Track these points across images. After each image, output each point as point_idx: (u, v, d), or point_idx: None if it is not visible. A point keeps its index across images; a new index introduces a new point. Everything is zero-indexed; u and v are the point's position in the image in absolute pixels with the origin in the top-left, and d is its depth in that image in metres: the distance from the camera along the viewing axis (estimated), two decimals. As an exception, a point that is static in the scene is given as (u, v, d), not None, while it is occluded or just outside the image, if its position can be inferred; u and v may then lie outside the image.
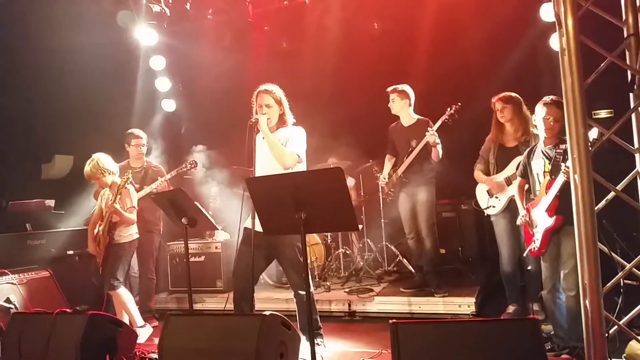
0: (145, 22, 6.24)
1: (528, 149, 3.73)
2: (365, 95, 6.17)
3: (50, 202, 5.68)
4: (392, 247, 5.75)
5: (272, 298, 5.26)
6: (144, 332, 4.41)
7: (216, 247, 5.66)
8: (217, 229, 3.71)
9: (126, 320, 4.32)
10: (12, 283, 4.78)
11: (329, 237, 5.92)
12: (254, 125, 3.61)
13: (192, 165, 5.20)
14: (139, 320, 4.44)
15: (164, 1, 6.14)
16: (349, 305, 4.97)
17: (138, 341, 3.88)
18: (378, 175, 5.44)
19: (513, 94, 4.18)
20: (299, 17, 6.44)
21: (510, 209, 4.18)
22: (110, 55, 6.45)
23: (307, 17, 6.39)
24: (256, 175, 3.53)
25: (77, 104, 6.53)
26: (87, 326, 3.08)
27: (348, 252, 5.95)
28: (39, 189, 6.39)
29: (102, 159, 4.45)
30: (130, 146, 5.16)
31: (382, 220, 5.70)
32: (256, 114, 3.69)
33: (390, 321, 2.57)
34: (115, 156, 5.32)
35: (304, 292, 3.59)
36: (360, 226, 5.71)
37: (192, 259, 5.67)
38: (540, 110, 3.50)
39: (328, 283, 5.45)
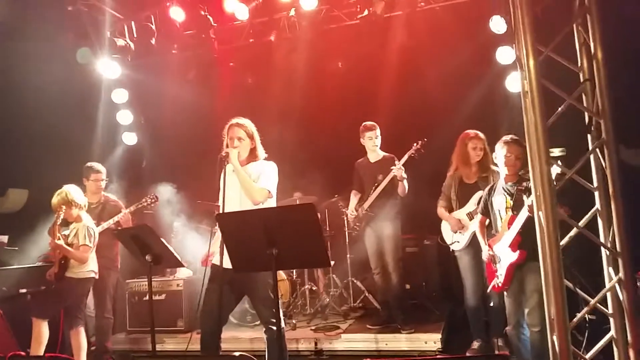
0: (108, 55, 6.19)
1: (489, 187, 3.85)
2: (330, 131, 6.28)
3: (4, 238, 5.42)
4: (358, 283, 5.73)
5: (237, 337, 5.11)
6: None
7: (178, 285, 5.50)
8: (183, 266, 3.61)
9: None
10: (-43, 325, 4.49)
11: (294, 273, 5.86)
12: (224, 159, 3.56)
13: (153, 200, 5.08)
14: None
15: (128, 35, 6.11)
16: (316, 343, 4.88)
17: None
18: (343, 210, 5.48)
19: (481, 134, 4.35)
20: (264, 54, 6.53)
21: (474, 244, 4.26)
22: (70, 88, 6.31)
23: (273, 55, 6.49)
24: (225, 209, 3.47)
25: (34, 136, 6.35)
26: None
27: (314, 288, 5.90)
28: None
29: (72, 191, 4.35)
30: (89, 180, 5.01)
31: (348, 255, 5.70)
32: (227, 147, 3.63)
33: (365, 359, 2.53)
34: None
35: (275, 327, 3.52)
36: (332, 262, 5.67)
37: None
38: (501, 148, 3.64)
39: (294, 321, 5.36)
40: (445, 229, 4.52)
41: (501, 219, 3.61)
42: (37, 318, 4.16)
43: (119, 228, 4.61)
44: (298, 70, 6.29)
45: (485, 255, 3.75)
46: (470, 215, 4.29)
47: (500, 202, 3.65)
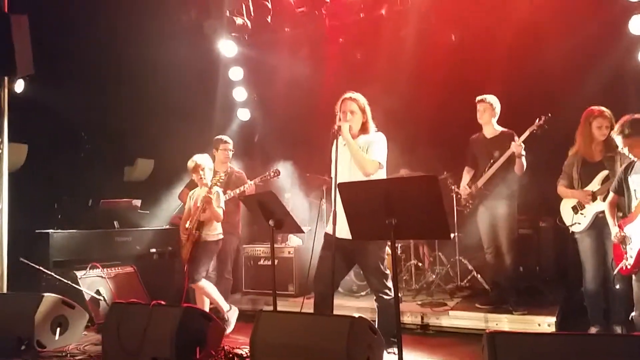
0: (227, 34, 6.53)
1: (625, 164, 3.61)
2: (440, 107, 6.15)
3: (137, 202, 6.01)
4: (466, 262, 5.65)
5: (343, 306, 5.27)
6: (232, 315, 4.67)
7: (289, 252, 5.79)
8: (303, 232, 3.80)
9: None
10: (101, 277, 5.09)
11: (399, 249, 5.90)
12: (337, 132, 3.66)
13: (276, 174, 5.33)
14: (224, 305, 4.68)
15: (246, 14, 6.39)
16: (422, 318, 4.92)
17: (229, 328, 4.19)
18: (453, 187, 5.40)
19: (609, 111, 4.08)
20: (374, 29, 6.53)
21: (596, 225, 4.06)
22: (192, 66, 6.77)
23: (383, 29, 6.47)
24: (336, 181, 3.59)
25: (159, 110, 6.90)
26: (182, 318, 3.23)
27: (420, 264, 5.91)
28: (122, 190, 6.76)
29: (199, 160, 4.74)
30: (219, 150, 5.34)
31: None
32: (339, 121, 3.73)
33: (487, 330, 2.54)
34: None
35: (387, 297, 3.62)
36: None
37: (264, 263, 5.84)
38: (619, 139, 3.45)
39: (400, 294, 5.41)
40: (565, 209, 4.29)
41: (636, 198, 3.39)
42: (192, 284, 4.59)
43: (245, 195, 4.91)
44: (408, 44, 6.21)
45: (615, 236, 3.55)
46: (594, 195, 4.05)
47: (638, 181, 3.43)
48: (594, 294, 4.20)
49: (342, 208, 3.09)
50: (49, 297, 4.08)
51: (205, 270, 4.64)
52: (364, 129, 3.80)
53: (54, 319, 4.05)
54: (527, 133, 4.57)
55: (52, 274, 4.79)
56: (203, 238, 4.59)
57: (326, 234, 3.76)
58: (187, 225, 4.67)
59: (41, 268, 4.78)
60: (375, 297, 3.77)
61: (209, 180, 4.67)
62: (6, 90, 4.97)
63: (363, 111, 3.78)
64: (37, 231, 5.27)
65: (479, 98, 4.80)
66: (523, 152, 4.48)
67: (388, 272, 3.77)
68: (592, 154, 4.16)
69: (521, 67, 5.66)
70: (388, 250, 5.67)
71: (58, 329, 4.07)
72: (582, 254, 4.23)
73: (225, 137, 5.40)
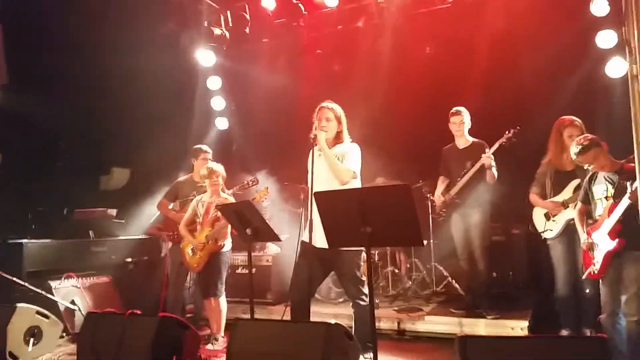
0: (205, 44, 6.55)
1: (589, 175, 3.75)
2: (416, 117, 6.27)
3: (113, 212, 5.96)
4: (441, 268, 5.75)
5: (321, 313, 5.32)
6: (222, 342, 4.56)
7: (267, 260, 5.81)
8: (280, 240, 3.83)
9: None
10: (76, 287, 5.04)
11: (377, 256, 5.97)
12: (313, 141, 3.72)
13: (254, 182, 5.34)
14: (222, 330, 4.62)
15: (224, 24, 6.44)
16: (399, 323, 4.99)
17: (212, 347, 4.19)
18: (428, 195, 5.50)
19: (579, 121, 4.22)
20: (351, 41, 6.64)
21: (567, 232, 4.19)
22: (170, 75, 6.78)
23: (360, 41, 6.59)
24: (313, 190, 3.65)
25: (136, 119, 6.86)
26: (158, 327, 3.23)
27: (396, 271, 5.98)
28: (98, 199, 6.70)
29: (218, 168, 4.76)
30: (198, 160, 5.31)
31: (432, 240, 5.72)
32: (315, 129, 3.78)
33: (458, 334, 2.61)
34: (172, 169, 5.58)
35: (363, 302, 3.67)
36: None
37: (242, 271, 5.85)
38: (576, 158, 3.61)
39: (376, 300, 5.48)
40: (538, 216, 4.43)
41: (602, 206, 3.53)
42: (212, 297, 4.59)
43: (223, 204, 4.92)
44: (385, 56, 6.33)
45: (583, 242, 3.67)
46: (565, 204, 4.18)
47: (601, 190, 3.59)
48: (565, 299, 4.32)
49: (318, 216, 3.16)
50: (23, 307, 4.04)
51: (223, 284, 4.63)
52: (338, 138, 3.87)
53: (27, 330, 4.01)
54: (496, 146, 4.74)
55: (26, 284, 4.71)
56: (220, 249, 4.59)
57: (302, 242, 3.80)
58: (203, 236, 4.62)
59: (14, 279, 4.70)
60: (351, 304, 3.81)
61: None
62: (-20, 100, 4.92)
63: (339, 120, 3.85)
64: (10, 241, 5.18)
65: (453, 110, 4.93)
66: (493, 164, 4.62)
67: (364, 278, 3.82)
68: (563, 163, 4.28)
69: (494, 78, 5.83)
70: (364, 257, 5.78)
71: (32, 340, 4.01)
72: (554, 260, 4.35)
73: (204, 147, 5.39)
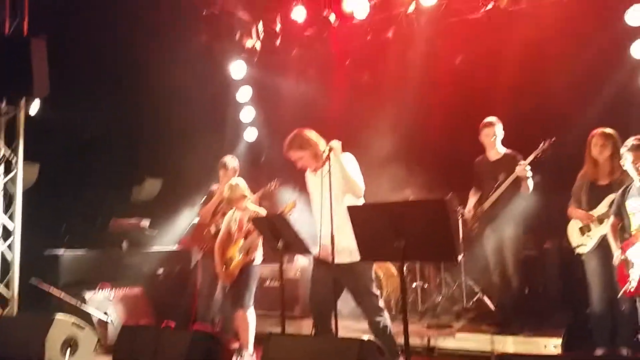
0: (236, 56, 6.66)
1: (622, 188, 3.67)
2: (446, 128, 6.22)
3: (146, 222, 6.06)
4: (472, 283, 5.66)
5: (350, 328, 5.22)
6: (248, 359, 4.52)
7: (295, 274, 5.81)
8: (311, 254, 3.83)
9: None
10: (109, 298, 5.13)
11: (405, 270, 5.89)
12: (330, 151, 3.62)
13: (276, 185, 5.34)
14: (250, 347, 4.57)
15: (255, 37, 6.53)
16: (428, 340, 4.92)
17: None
18: (458, 209, 5.44)
19: (612, 131, 4.13)
20: (381, 52, 6.67)
21: (603, 247, 4.07)
22: (201, 87, 6.89)
23: (389, 52, 6.61)
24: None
25: (168, 131, 6.98)
26: (192, 341, 3.27)
27: (425, 286, 5.92)
28: (130, 210, 6.82)
29: (241, 184, 4.76)
30: (220, 173, 5.35)
31: (462, 255, 5.63)
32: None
33: (494, 353, 2.57)
34: (203, 180, 5.64)
35: (379, 319, 3.64)
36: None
37: (270, 284, 5.87)
38: (627, 152, 3.49)
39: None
40: (572, 230, 4.33)
41: (635, 221, 3.44)
42: (241, 309, 4.59)
43: (256, 216, 4.96)
44: (414, 67, 6.31)
45: (616, 259, 3.58)
46: (601, 219, 4.08)
47: (635, 204, 3.49)
48: (600, 316, 4.20)
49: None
50: (60, 319, 4.12)
51: (252, 297, 4.66)
52: (318, 158, 3.77)
53: (64, 341, 4.07)
54: (531, 157, 4.63)
55: (62, 295, 4.82)
56: (251, 262, 4.62)
57: (314, 258, 3.83)
58: (237, 249, 4.66)
59: (52, 290, 4.82)
60: (368, 322, 3.73)
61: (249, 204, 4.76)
62: (22, 112, 5.08)
63: (309, 146, 3.78)
64: (46, 253, 5.31)
65: (484, 121, 4.87)
66: (529, 174, 4.53)
67: (378, 292, 3.78)
68: (598, 176, 4.19)
69: (526, 88, 5.75)
70: (376, 270, 5.73)
71: (68, 350, 4.08)
72: (588, 276, 4.24)
73: (230, 159, 5.39)
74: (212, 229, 5.14)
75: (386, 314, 3.75)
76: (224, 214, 5.08)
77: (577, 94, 5.50)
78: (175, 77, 6.47)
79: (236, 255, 4.64)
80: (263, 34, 6.53)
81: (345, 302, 5.48)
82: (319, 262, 3.76)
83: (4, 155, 5.05)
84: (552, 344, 4.45)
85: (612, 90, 5.38)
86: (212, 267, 4.97)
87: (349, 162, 3.73)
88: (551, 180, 5.03)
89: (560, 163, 4.77)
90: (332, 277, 3.61)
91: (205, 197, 5.35)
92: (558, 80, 5.52)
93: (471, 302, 5.67)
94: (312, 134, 3.84)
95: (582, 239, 4.24)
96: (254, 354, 4.56)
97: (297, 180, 6.40)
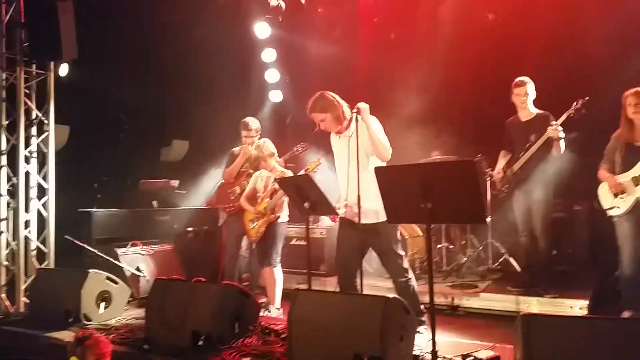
0: (261, 15, 6.56)
1: None
2: (476, 88, 6.09)
3: (175, 183, 6.18)
4: (498, 245, 5.64)
5: (374, 286, 5.31)
6: (275, 313, 4.64)
7: (321, 233, 5.89)
8: (338, 214, 3.86)
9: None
10: (141, 254, 5.29)
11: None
12: (357, 113, 3.60)
13: (304, 148, 5.35)
14: (277, 302, 4.70)
15: (280, -6, 6.41)
16: (452, 299, 4.97)
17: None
18: (487, 170, 5.37)
19: None
20: (409, 9, 6.48)
21: (636, 210, 4.00)
22: (226, 47, 6.86)
23: (417, 9, 6.42)
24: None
25: (194, 92, 7.02)
26: (221, 295, 3.36)
27: (450, 247, 5.92)
28: (158, 170, 6.95)
29: (269, 143, 4.81)
30: (242, 134, 5.34)
31: (489, 217, 5.60)
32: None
33: (521, 312, 2.58)
34: (229, 142, 5.67)
35: (403, 279, 3.68)
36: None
37: (296, 243, 5.97)
38: None
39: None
40: (604, 193, 4.23)
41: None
42: (268, 266, 4.72)
43: (282, 177, 4.99)
44: (444, 24, 6.14)
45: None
46: (636, 180, 3.98)
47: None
48: (630, 279, 4.14)
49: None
50: (94, 273, 4.28)
51: (279, 254, 4.75)
52: (341, 121, 3.78)
53: (98, 294, 4.25)
54: (564, 117, 4.49)
55: (95, 251, 4.99)
56: (276, 219, 4.69)
57: (341, 219, 3.87)
58: (261, 207, 4.74)
59: (85, 245, 4.99)
60: (393, 282, 3.79)
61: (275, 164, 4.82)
62: (52, 75, 5.14)
63: (331, 109, 3.76)
64: (80, 210, 5.48)
65: (516, 81, 4.72)
66: (561, 135, 4.41)
67: (403, 253, 3.81)
68: (634, 137, 4.07)
69: (560, 47, 5.55)
70: (401, 231, 5.75)
71: (102, 304, 4.26)
72: (619, 238, 4.17)
73: (250, 121, 5.31)
74: (237, 190, 5.21)
75: (411, 274, 3.80)
76: (248, 175, 5.14)
77: (612, 52, 5.28)
78: (200, 38, 6.45)
79: (262, 213, 4.71)
80: (288, -9, 6.40)
81: (370, 261, 5.63)
82: (344, 222, 3.80)
83: (36, 117, 5.14)
84: (579, 306, 4.45)
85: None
86: (236, 227, 5.10)
87: (375, 125, 3.70)
88: (584, 141, 4.91)
89: (595, 123, 4.62)
90: (357, 238, 3.65)
91: (227, 158, 5.36)
92: (592, 39, 5.30)
93: (497, 263, 5.67)
94: (335, 97, 3.81)
95: (615, 201, 4.15)
96: (280, 309, 4.68)
97: (323, 141, 6.44)
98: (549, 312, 4.47)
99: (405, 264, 3.77)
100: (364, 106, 3.64)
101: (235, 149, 5.41)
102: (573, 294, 4.65)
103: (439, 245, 5.90)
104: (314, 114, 3.82)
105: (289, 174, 4.77)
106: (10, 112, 5.00)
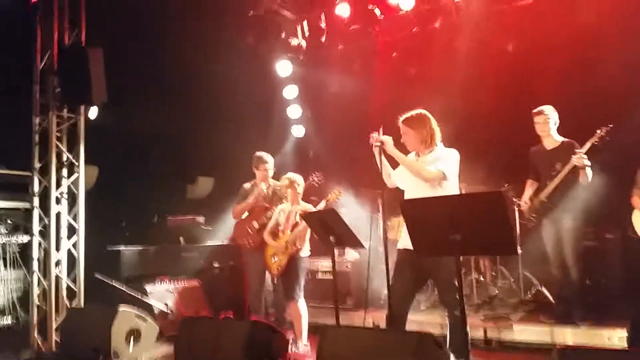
0: (282, 54, 6.73)
1: None
2: (499, 118, 6.06)
3: (201, 219, 6.25)
4: (530, 275, 5.51)
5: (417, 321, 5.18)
6: (303, 349, 4.62)
7: (347, 266, 5.86)
8: (364, 247, 3.85)
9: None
10: (169, 290, 5.33)
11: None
12: (381, 147, 3.68)
13: (319, 178, 5.34)
14: (304, 337, 4.68)
15: (301, 35, 6.57)
16: (485, 332, 4.85)
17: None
18: (515, 200, 5.31)
19: None
20: (428, 43, 6.55)
21: (672, 236, 3.91)
22: (249, 86, 7.01)
23: (437, 42, 6.47)
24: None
25: (218, 130, 7.16)
26: (250, 331, 3.35)
27: (481, 279, 5.81)
28: (185, 207, 7.04)
29: (298, 178, 4.95)
30: (259, 170, 5.37)
31: (519, 247, 5.50)
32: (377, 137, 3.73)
33: (557, 346, 2.51)
34: (252, 178, 5.72)
35: (458, 313, 3.60)
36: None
37: (323, 276, 5.94)
38: None
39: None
40: (638, 220, 4.16)
41: None
42: (291, 300, 4.75)
43: (307, 212, 5.00)
44: (463, 56, 6.15)
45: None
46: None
47: None
48: (669, 309, 4.02)
49: None
50: (124, 311, 4.32)
51: (302, 288, 4.76)
52: (426, 144, 3.76)
53: (128, 331, 4.27)
54: (587, 145, 4.45)
55: (124, 288, 5.05)
56: (297, 252, 4.72)
57: (399, 250, 3.78)
58: (282, 241, 4.79)
59: (115, 283, 5.05)
60: (447, 314, 3.73)
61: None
62: (82, 118, 5.33)
63: (421, 126, 3.76)
64: (109, 248, 5.57)
65: (535, 110, 4.72)
66: (587, 163, 4.36)
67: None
68: (663, 162, 4.02)
69: (582, 74, 5.51)
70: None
71: (132, 341, 4.28)
72: (655, 266, 4.07)
73: (265, 156, 5.37)
74: (255, 224, 5.22)
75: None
76: (265, 210, 5.16)
77: (635, 78, 5.24)
78: (224, 79, 6.62)
79: (283, 247, 4.72)
80: (308, 31, 6.54)
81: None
82: (404, 255, 3.68)
83: (67, 159, 5.30)
84: (616, 336, 4.31)
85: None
86: (258, 262, 5.09)
87: (441, 157, 3.73)
88: (613, 168, 4.82)
89: (623, 150, 4.57)
90: (416, 272, 3.62)
91: (239, 194, 5.39)
92: (614, 65, 5.26)
93: (529, 294, 5.52)
94: (432, 120, 3.82)
95: (648, 229, 4.07)
96: (308, 344, 4.63)
97: (344, 172, 6.48)
98: (585, 344, 4.35)
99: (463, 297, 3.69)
100: (387, 139, 3.69)
101: (247, 185, 5.43)
102: (610, 323, 4.52)
103: (469, 277, 5.79)
104: (403, 125, 3.81)
105: (311, 207, 4.79)
106: (43, 155, 5.17)
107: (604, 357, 2.58)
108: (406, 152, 3.88)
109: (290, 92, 7.38)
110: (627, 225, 4.27)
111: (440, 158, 3.67)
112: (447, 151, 3.75)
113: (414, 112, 3.85)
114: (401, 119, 3.84)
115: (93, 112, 5.45)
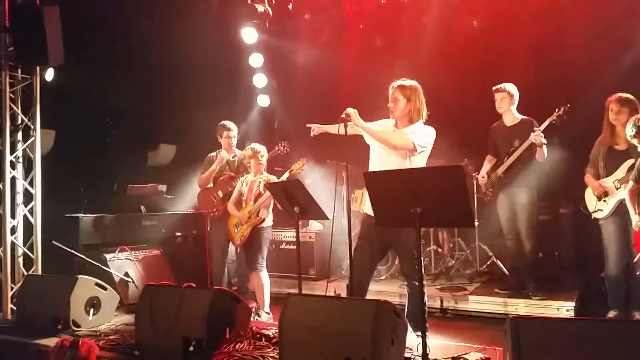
0: (248, 21, 6.58)
1: None
2: (460, 94, 6.16)
3: (163, 187, 6.15)
4: (485, 248, 5.71)
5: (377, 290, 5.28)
6: (265, 317, 4.66)
7: (310, 237, 5.92)
8: (328, 219, 3.88)
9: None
10: (129, 259, 5.26)
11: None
12: (346, 120, 3.63)
13: (285, 146, 5.33)
14: (267, 306, 4.71)
15: (267, 1, 6.43)
16: (441, 302, 5.02)
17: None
18: (474, 174, 5.44)
19: (630, 96, 4.08)
20: (395, 16, 6.54)
21: (620, 212, 4.09)
22: (213, 53, 6.85)
23: (404, 16, 6.48)
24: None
25: (181, 97, 7.00)
26: (212, 300, 3.36)
27: (439, 250, 5.99)
28: (146, 175, 6.90)
29: (262, 148, 4.87)
30: (222, 138, 5.38)
31: (476, 220, 5.67)
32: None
33: (510, 315, 2.62)
34: (216, 147, 5.66)
35: (417, 283, 3.69)
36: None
37: (286, 247, 5.99)
38: None
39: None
40: (589, 196, 4.34)
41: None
42: (254, 271, 4.74)
43: (271, 182, 5.00)
44: (430, 31, 6.20)
45: (635, 224, 3.60)
46: (618, 183, 4.08)
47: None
48: (616, 280, 4.24)
49: None
50: (84, 279, 4.24)
51: (265, 258, 4.76)
52: (409, 119, 3.71)
53: (87, 300, 4.21)
54: (546, 123, 4.61)
55: (83, 257, 4.95)
56: (260, 222, 4.70)
57: (365, 216, 3.79)
58: (245, 211, 4.77)
59: (73, 251, 4.95)
60: (406, 283, 3.82)
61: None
62: (38, 80, 5.10)
63: (408, 99, 3.70)
64: (67, 215, 5.43)
65: (495, 87, 4.82)
66: (544, 141, 4.50)
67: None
68: (616, 141, 4.18)
69: (543, 54, 5.66)
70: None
71: (91, 310, 4.22)
72: (605, 240, 4.27)
73: (228, 123, 5.37)
74: (220, 194, 5.22)
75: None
76: (230, 178, 5.15)
77: (595, 59, 5.39)
78: (187, 43, 6.42)
79: (246, 217, 4.72)
80: (275, -2, 6.42)
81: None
82: (369, 222, 3.66)
83: (22, 122, 5.09)
84: (565, 307, 4.53)
85: (632, 55, 5.28)
86: (221, 232, 5.11)
87: (415, 130, 3.69)
88: (569, 146, 5.00)
89: (578, 129, 4.73)
90: (378, 242, 3.66)
91: (204, 163, 5.38)
92: (576, 45, 5.42)
93: (484, 266, 5.74)
94: (422, 98, 3.77)
95: (599, 204, 4.25)
96: (270, 313, 4.69)
97: (309, 144, 6.46)
98: (537, 314, 4.56)
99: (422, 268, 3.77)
100: (352, 111, 3.66)
101: (212, 154, 5.41)
102: (560, 295, 4.74)
103: (428, 248, 5.96)
104: (396, 90, 3.71)
105: (274, 178, 4.79)
106: (-5, 117, 4.94)
107: (554, 325, 2.72)
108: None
109: (256, 60, 7.26)
110: (580, 200, 4.44)
111: (415, 132, 3.65)
112: (425, 127, 3.72)
113: (408, 82, 3.77)
114: (395, 84, 3.75)
115: (49, 74, 5.23)
